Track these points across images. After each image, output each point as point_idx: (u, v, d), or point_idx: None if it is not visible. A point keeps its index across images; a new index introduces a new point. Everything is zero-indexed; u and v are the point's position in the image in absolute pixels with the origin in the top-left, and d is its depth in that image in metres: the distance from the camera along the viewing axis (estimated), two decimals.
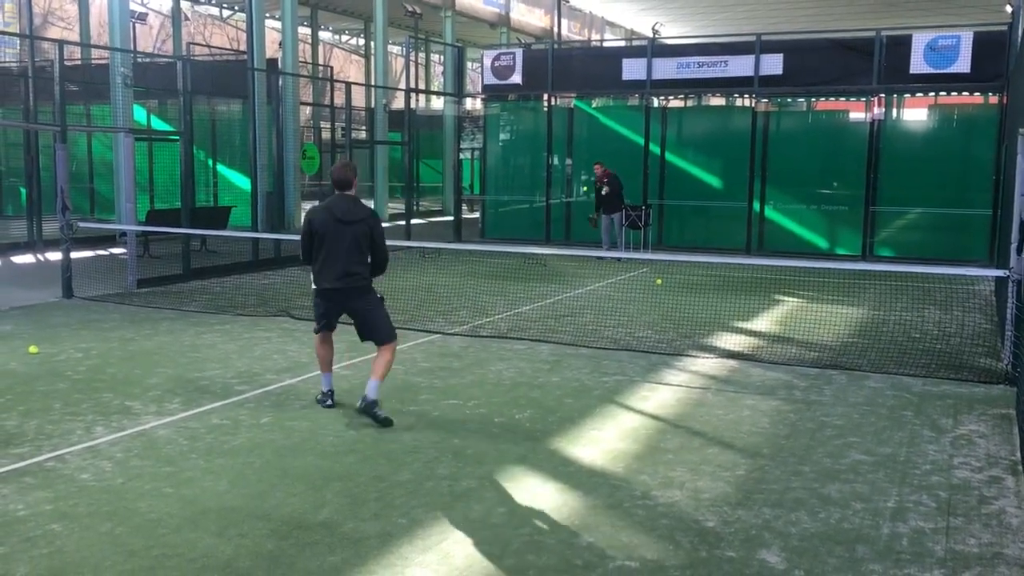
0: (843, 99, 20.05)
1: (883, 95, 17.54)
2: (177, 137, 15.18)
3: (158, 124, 22.47)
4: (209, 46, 33.68)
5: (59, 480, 5.34)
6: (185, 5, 35.87)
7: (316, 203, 6.44)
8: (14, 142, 23.15)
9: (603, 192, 17.05)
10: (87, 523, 4.73)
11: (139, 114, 21.53)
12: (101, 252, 17.01)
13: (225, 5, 40.01)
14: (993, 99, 17.71)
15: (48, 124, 15.04)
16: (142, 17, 30.39)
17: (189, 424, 6.49)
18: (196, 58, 26.08)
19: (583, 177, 20.52)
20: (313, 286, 6.77)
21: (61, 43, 13.04)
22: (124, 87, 17.46)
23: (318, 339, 6.95)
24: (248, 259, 15.37)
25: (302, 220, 6.63)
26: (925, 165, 17.48)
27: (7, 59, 32.60)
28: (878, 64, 17.08)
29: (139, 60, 23.33)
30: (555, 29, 36.06)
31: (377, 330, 6.68)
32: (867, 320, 11.17)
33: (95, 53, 26.85)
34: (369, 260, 6.70)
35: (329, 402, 6.91)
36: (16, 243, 17.71)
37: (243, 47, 27.85)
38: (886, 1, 32.53)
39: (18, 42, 32.15)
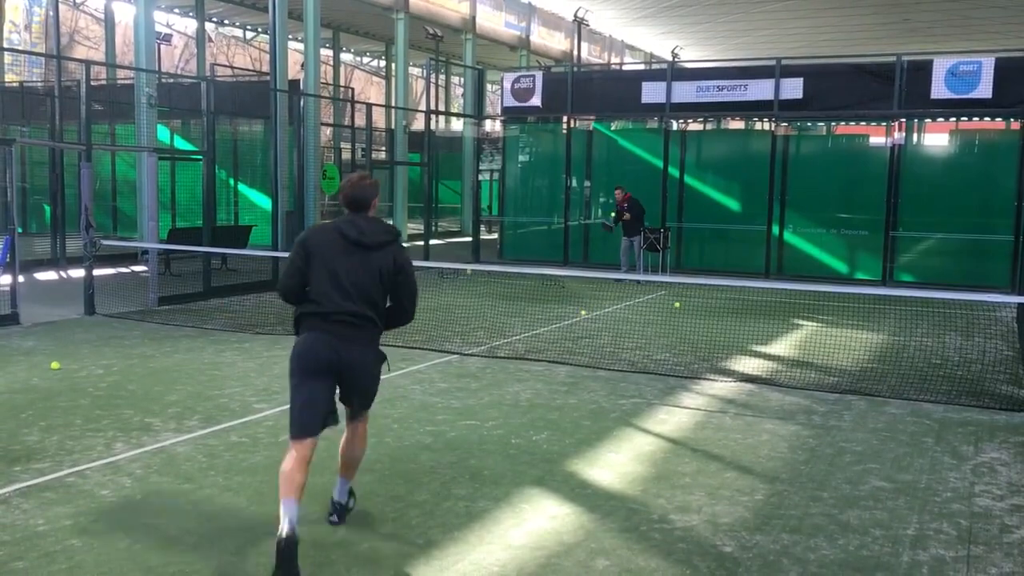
0: (863, 124, 20.03)
1: (904, 120, 17.50)
2: (200, 156, 15.34)
3: (181, 143, 22.72)
4: (232, 67, 34.08)
5: (79, 496, 5.38)
6: (209, 27, 36.35)
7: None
8: (39, 160, 23.45)
9: (625, 218, 16.93)
10: (106, 539, 4.75)
11: (162, 133, 21.77)
12: (123, 269, 17.19)
13: (248, 27, 40.53)
14: (1015, 124, 17.64)
15: (73, 143, 15.24)
16: (167, 38, 30.74)
17: (208, 441, 6.52)
18: (219, 79, 26.38)
19: (601, 200, 20.55)
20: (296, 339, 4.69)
21: (88, 63, 13.25)
22: (148, 107, 17.69)
23: (295, 453, 4.44)
24: (268, 278, 15.45)
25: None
26: (946, 190, 17.40)
27: (33, 78, 33.06)
28: (899, 89, 17.06)
29: (163, 80, 23.62)
30: (575, 52, 36.29)
31: (368, 393, 4.84)
32: (887, 345, 11.09)
33: (120, 73, 27.26)
34: (387, 304, 4.77)
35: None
36: (40, 260, 17.89)
37: (266, 68, 28.17)
38: (907, 26, 32.54)
39: (44, 62, 32.60)
